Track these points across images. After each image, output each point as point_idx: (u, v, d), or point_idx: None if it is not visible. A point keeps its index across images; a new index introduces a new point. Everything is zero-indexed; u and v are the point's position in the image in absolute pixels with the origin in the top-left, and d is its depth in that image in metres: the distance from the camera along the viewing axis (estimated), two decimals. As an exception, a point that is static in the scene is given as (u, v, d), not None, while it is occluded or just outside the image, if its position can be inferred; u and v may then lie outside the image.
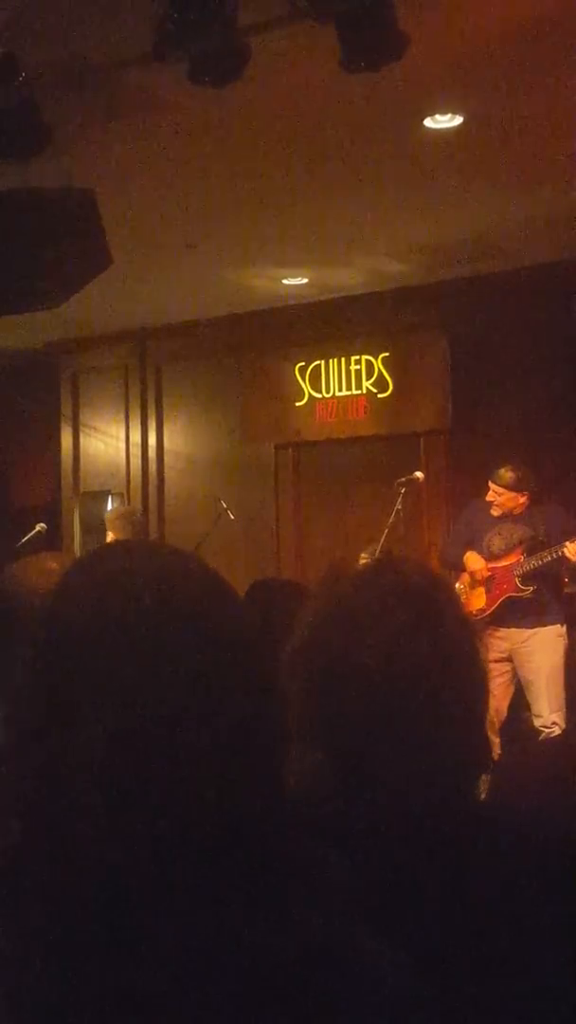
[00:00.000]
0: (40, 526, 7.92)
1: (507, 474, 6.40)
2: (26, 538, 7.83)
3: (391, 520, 6.65)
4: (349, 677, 1.35)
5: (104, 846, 0.93)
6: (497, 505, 6.44)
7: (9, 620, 1.92)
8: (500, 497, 6.42)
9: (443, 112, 5.35)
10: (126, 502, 9.68)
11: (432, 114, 5.37)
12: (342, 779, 1.35)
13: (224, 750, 0.96)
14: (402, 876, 1.32)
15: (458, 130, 5.51)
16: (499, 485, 6.41)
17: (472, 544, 6.57)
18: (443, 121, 5.43)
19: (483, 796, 2.09)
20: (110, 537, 7.47)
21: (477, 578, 6.45)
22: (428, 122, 5.44)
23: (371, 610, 1.39)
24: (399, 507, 6.69)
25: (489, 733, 6.25)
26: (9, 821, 0.98)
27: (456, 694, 1.39)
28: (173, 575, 1.03)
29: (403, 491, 6.77)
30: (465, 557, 6.54)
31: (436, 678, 1.36)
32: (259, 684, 1.01)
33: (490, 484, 6.46)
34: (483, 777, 1.60)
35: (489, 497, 6.47)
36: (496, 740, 6.17)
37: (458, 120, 5.42)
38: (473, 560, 6.49)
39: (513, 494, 6.40)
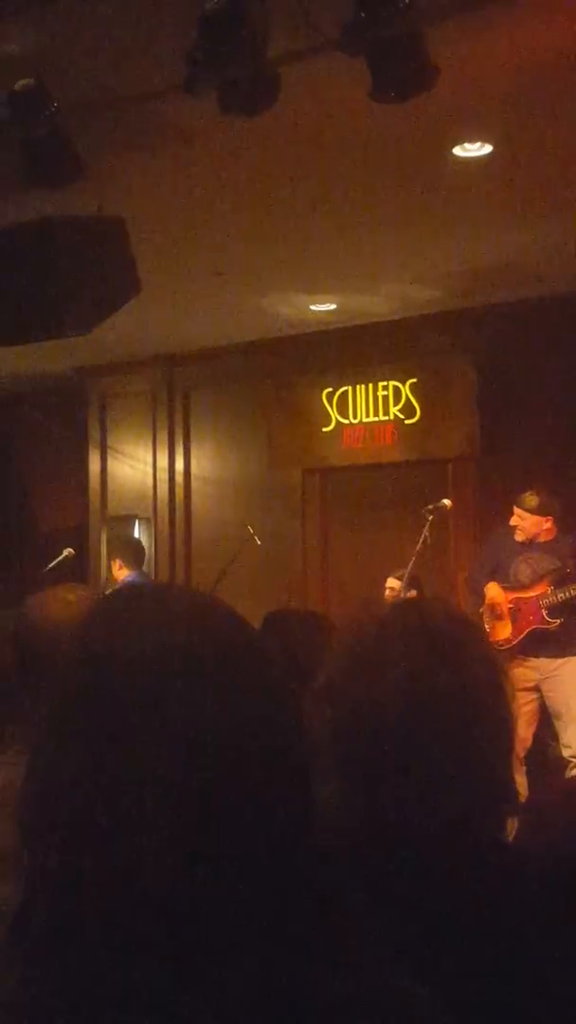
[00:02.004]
0: (68, 551, 7.94)
1: (532, 499, 6.38)
2: (54, 563, 7.85)
3: (418, 547, 6.63)
4: (370, 717, 1.35)
5: (141, 888, 0.93)
6: (521, 529, 6.42)
7: (31, 653, 1.92)
8: (524, 521, 6.40)
9: (472, 141, 5.36)
10: (153, 527, 9.71)
11: (461, 143, 5.37)
12: (364, 819, 1.34)
13: (257, 793, 0.96)
14: (425, 917, 1.31)
15: (487, 159, 5.52)
16: (523, 509, 6.40)
17: (498, 572, 6.54)
18: (472, 150, 5.44)
19: (511, 837, 2.07)
20: (112, 566, 7.54)
21: (497, 609, 6.42)
22: (457, 150, 5.45)
23: (393, 650, 1.39)
24: (426, 534, 6.67)
25: (516, 764, 6.21)
26: (42, 863, 0.97)
27: (480, 734, 1.39)
28: (202, 617, 1.03)
29: (431, 518, 6.75)
30: (486, 587, 6.51)
31: (458, 718, 1.36)
32: (287, 725, 1.01)
33: (514, 508, 6.44)
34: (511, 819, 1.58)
35: (513, 521, 6.45)
36: (521, 769, 6.13)
37: (487, 149, 5.43)
38: (492, 590, 6.46)
39: (537, 518, 6.38)
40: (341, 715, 1.38)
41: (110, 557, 7.68)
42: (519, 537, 6.45)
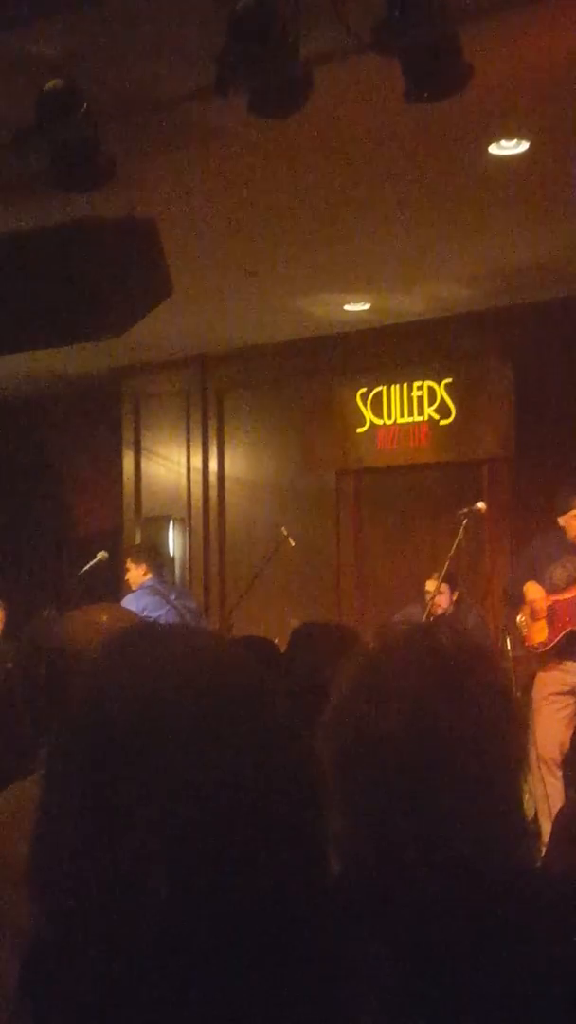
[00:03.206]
0: (102, 554, 7.92)
1: None
2: (88, 566, 7.84)
3: (452, 552, 6.56)
4: (373, 745, 1.34)
5: (151, 938, 0.90)
6: (570, 528, 6.33)
7: (60, 675, 1.89)
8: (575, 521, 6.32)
9: (508, 138, 5.30)
10: (187, 528, 9.69)
11: (497, 140, 5.32)
12: (371, 854, 1.33)
13: (260, 836, 0.93)
14: (440, 950, 1.28)
15: (524, 156, 5.46)
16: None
17: (535, 576, 6.48)
18: (508, 147, 5.39)
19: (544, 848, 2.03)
20: (130, 569, 7.50)
21: (537, 607, 6.36)
22: (493, 148, 5.39)
23: (397, 678, 1.39)
24: (460, 538, 6.61)
25: (552, 768, 6.15)
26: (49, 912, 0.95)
27: (488, 765, 1.37)
28: (210, 660, 1.02)
29: (465, 522, 6.69)
30: (525, 587, 6.45)
31: (465, 749, 1.34)
32: (290, 768, 0.99)
33: (568, 511, 6.33)
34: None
35: (563, 521, 6.35)
36: (558, 773, 6.07)
37: (524, 146, 5.36)
38: (532, 590, 6.40)
39: None
40: (346, 746, 1.37)
41: (132, 560, 7.61)
42: (572, 535, 6.34)
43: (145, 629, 1.11)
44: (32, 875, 0.98)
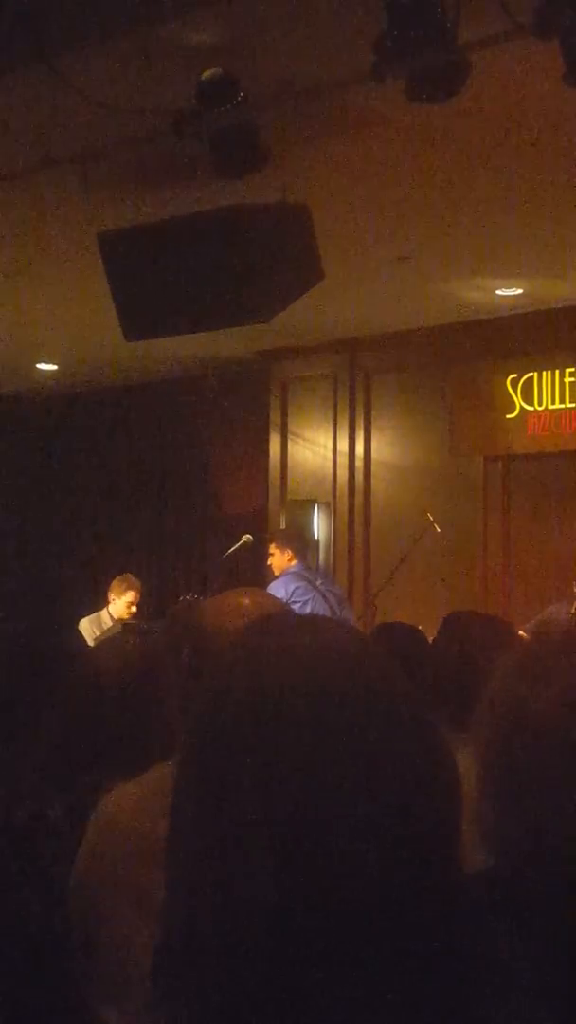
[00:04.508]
0: (246, 537, 7.96)
1: None
2: (232, 549, 7.91)
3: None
4: (529, 732, 1.31)
5: (271, 933, 0.91)
6: None
7: (202, 659, 1.92)
8: None
9: None
10: (332, 512, 9.70)
11: None
12: (530, 843, 1.30)
13: (389, 835, 0.93)
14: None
15: None
16: None
17: None
18: None
19: None
20: (274, 553, 7.46)
21: None
22: None
23: (551, 661, 1.36)
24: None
25: None
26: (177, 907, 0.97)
27: None
28: (341, 655, 1.02)
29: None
30: None
31: None
32: (426, 764, 0.98)
33: None
34: None
35: None
36: None
37: None
38: None
39: None
40: (503, 733, 1.35)
41: (277, 546, 7.59)
42: None
43: (280, 619, 1.11)
44: (166, 855, 1.00)
